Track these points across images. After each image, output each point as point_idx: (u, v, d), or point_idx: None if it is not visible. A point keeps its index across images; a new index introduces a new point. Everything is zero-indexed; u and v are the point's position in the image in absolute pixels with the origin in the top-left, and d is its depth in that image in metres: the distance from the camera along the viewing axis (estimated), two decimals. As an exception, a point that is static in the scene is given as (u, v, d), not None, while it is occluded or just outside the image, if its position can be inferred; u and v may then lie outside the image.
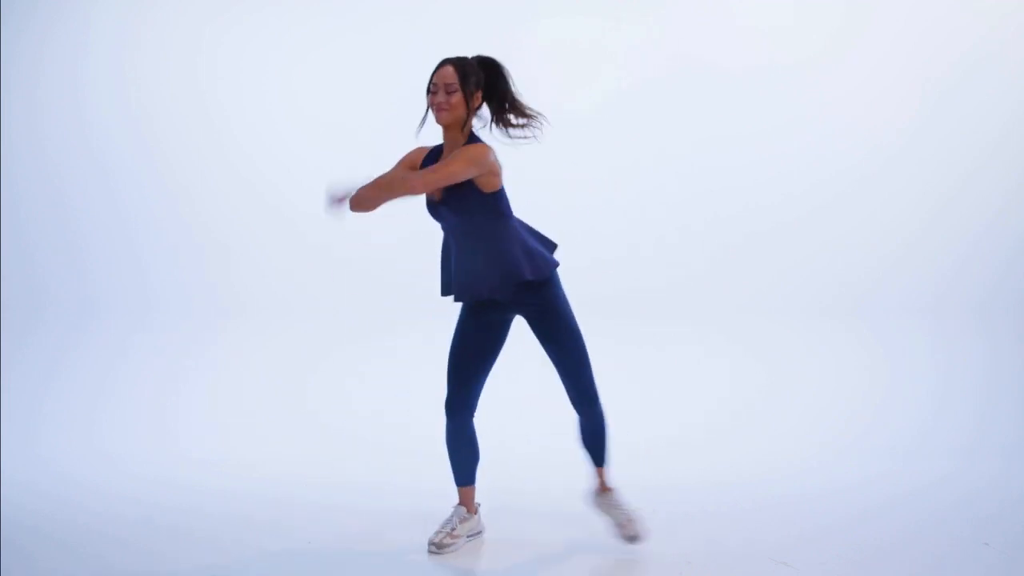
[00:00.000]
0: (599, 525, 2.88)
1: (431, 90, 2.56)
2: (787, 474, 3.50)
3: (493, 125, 2.63)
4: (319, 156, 4.59)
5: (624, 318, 4.44)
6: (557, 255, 2.71)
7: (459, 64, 2.56)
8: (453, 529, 2.72)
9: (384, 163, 4.63)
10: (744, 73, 4.48)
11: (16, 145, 4.55)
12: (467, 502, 2.80)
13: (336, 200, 2.57)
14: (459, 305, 2.75)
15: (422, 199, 2.64)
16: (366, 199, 2.53)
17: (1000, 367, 4.15)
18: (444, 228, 2.68)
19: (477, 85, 2.57)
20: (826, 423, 3.98)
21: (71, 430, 3.98)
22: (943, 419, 3.95)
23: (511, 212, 2.63)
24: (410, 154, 2.71)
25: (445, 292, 2.72)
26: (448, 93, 2.53)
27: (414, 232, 2.97)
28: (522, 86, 2.70)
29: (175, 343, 4.45)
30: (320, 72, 4.59)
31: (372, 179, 2.55)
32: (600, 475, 2.77)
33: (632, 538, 2.66)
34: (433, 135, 2.68)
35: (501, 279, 2.56)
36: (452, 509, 2.79)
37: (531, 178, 3.19)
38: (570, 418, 3.42)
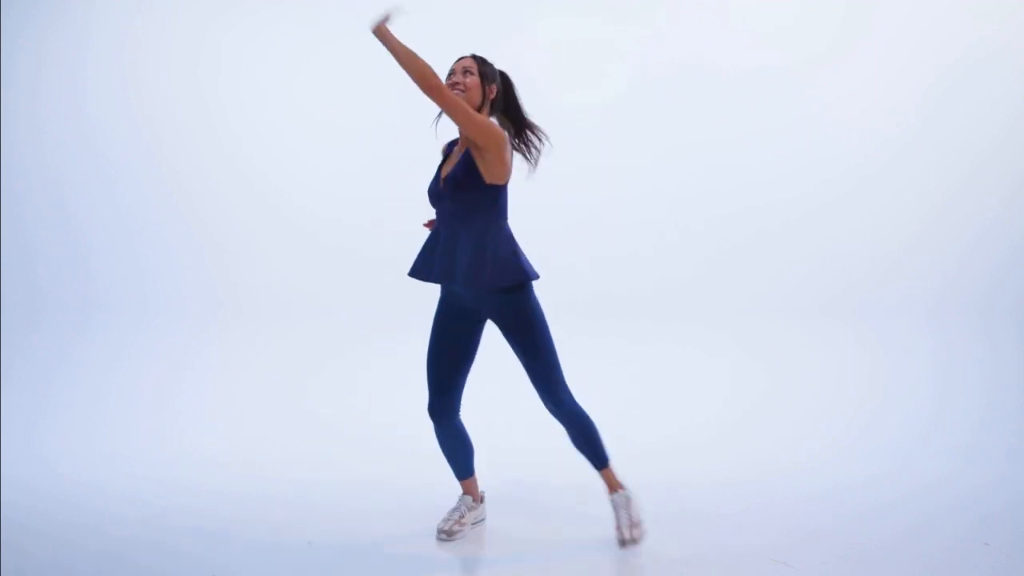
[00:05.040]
0: (601, 522, 2.88)
1: (449, 75, 2.60)
2: (787, 474, 3.49)
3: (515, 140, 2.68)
4: (319, 156, 4.60)
5: (624, 318, 4.45)
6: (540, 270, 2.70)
7: (478, 56, 2.64)
8: (461, 516, 2.79)
9: (384, 162, 4.64)
10: (744, 73, 4.48)
11: (16, 145, 4.55)
12: (472, 491, 2.87)
13: (381, 19, 2.41)
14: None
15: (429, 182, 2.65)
16: (390, 42, 2.38)
17: (1000, 367, 4.15)
18: (438, 214, 2.67)
19: (494, 79, 2.64)
20: (826, 423, 3.98)
21: (71, 430, 3.98)
22: (943, 419, 3.94)
23: (505, 217, 2.63)
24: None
25: (414, 273, 2.68)
26: (464, 74, 2.59)
27: (416, 231, 2.96)
28: (523, 86, 2.73)
29: (175, 343, 4.45)
30: (320, 72, 4.59)
31: (412, 50, 2.40)
32: (604, 477, 2.75)
33: (622, 542, 2.66)
34: (449, 133, 2.71)
35: (476, 275, 2.54)
36: (458, 498, 2.85)
37: (532, 177, 3.19)
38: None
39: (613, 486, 2.75)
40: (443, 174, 2.65)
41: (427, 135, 2.75)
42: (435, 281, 2.65)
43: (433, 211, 2.71)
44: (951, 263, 4.36)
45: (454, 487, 2.94)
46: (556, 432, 2.89)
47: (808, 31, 4.47)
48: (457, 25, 4.43)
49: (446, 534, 2.73)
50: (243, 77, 4.63)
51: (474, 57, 2.63)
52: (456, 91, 2.56)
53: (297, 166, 4.61)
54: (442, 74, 2.55)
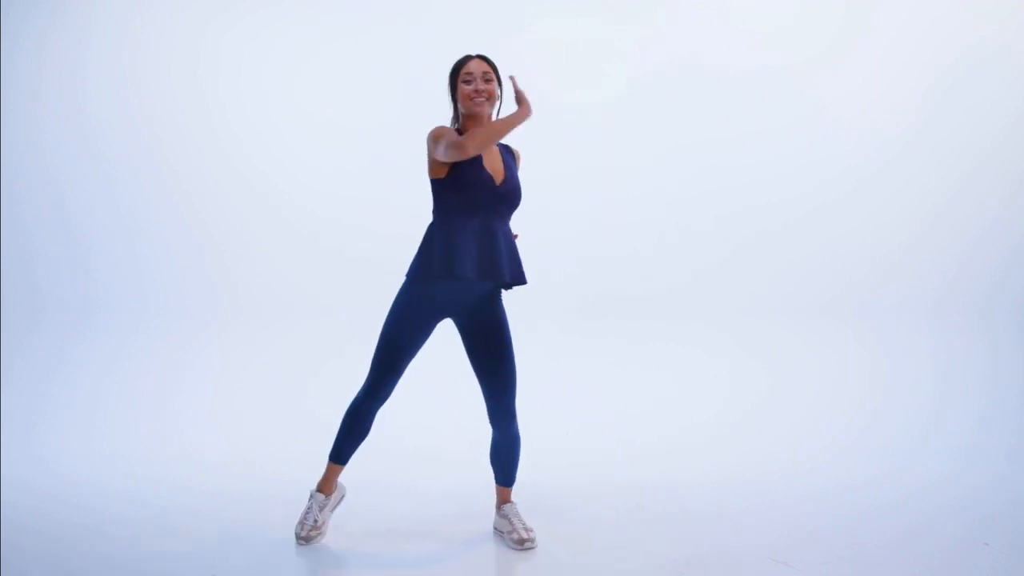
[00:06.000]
0: (602, 524, 2.88)
1: (466, 80, 2.55)
2: (787, 474, 3.50)
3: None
4: (319, 156, 4.60)
5: (624, 318, 4.44)
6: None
7: (486, 57, 2.60)
8: (316, 520, 2.70)
9: (384, 162, 4.63)
10: (744, 73, 4.48)
11: (16, 145, 4.55)
12: (331, 480, 2.77)
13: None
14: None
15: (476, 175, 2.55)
16: (512, 124, 2.46)
17: (1000, 367, 4.15)
18: (479, 206, 2.53)
19: (500, 80, 2.62)
20: (826, 423, 3.98)
21: (71, 430, 3.98)
22: (943, 419, 3.95)
23: None
24: (446, 132, 2.53)
25: (462, 272, 2.49)
26: (487, 81, 2.55)
27: (414, 231, 2.96)
28: (523, 86, 2.72)
29: (175, 343, 4.45)
30: (320, 72, 4.59)
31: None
32: (504, 492, 2.80)
33: (522, 542, 2.64)
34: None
35: (520, 273, 2.59)
36: (309, 499, 2.75)
37: (532, 177, 3.19)
38: (568, 419, 3.42)
39: (508, 499, 2.80)
40: (491, 171, 2.57)
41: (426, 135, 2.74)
42: (496, 280, 2.56)
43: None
44: (951, 263, 4.36)
45: (452, 487, 2.94)
46: (556, 434, 2.90)
47: (808, 31, 4.47)
48: (457, 25, 4.43)
49: (304, 540, 2.67)
50: (243, 77, 4.62)
51: (482, 58, 2.59)
52: (480, 98, 2.53)
53: (297, 166, 4.60)
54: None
